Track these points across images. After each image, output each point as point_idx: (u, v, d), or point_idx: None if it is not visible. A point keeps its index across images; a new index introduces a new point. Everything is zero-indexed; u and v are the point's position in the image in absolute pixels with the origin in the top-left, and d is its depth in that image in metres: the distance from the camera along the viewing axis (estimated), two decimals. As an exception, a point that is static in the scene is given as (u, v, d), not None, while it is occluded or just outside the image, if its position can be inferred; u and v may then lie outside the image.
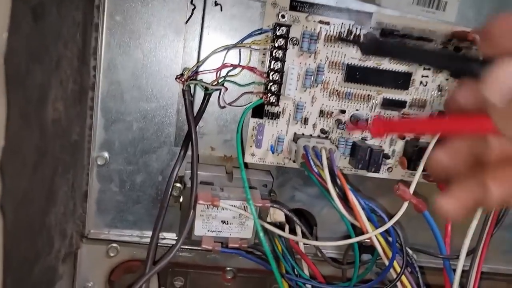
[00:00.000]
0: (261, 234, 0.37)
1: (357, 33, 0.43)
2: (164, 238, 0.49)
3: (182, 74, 0.43)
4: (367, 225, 0.40)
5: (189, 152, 0.45)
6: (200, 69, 0.44)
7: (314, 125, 0.46)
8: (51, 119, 0.33)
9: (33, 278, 0.33)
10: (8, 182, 0.23)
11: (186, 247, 0.49)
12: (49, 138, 0.33)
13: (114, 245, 0.48)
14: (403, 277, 0.41)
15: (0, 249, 0.23)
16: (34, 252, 0.33)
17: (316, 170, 0.41)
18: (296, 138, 0.45)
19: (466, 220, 0.40)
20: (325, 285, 0.44)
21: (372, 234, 0.40)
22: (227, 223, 0.43)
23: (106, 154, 0.46)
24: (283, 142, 0.46)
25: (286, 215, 0.47)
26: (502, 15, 0.19)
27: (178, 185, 0.45)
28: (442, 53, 0.34)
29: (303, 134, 0.46)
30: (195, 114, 0.43)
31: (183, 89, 0.42)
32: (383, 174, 0.47)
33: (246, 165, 0.47)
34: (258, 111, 0.45)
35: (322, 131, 0.46)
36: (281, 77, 0.43)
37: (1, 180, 0.22)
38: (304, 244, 0.48)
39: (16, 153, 0.25)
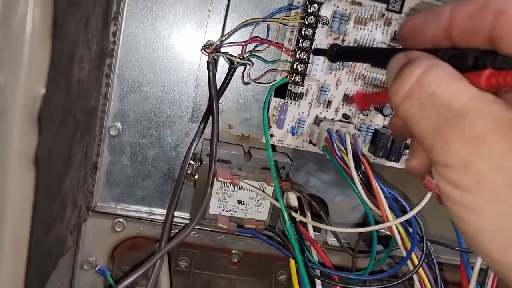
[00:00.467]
0: (286, 215, 0.36)
1: (389, 16, 0.42)
2: (174, 217, 0.47)
3: (207, 46, 0.41)
4: (389, 213, 0.39)
5: (207, 129, 0.43)
6: (225, 42, 0.42)
7: (336, 109, 0.45)
8: (77, 78, 0.31)
9: (47, 244, 0.31)
10: (41, 136, 0.21)
11: (196, 227, 0.47)
12: (73, 98, 0.31)
13: (121, 220, 0.47)
14: (420, 270, 0.41)
15: (30, 206, 0.22)
16: (51, 217, 0.31)
17: (340, 155, 0.40)
18: (318, 121, 0.44)
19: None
20: (346, 274, 0.43)
21: (394, 223, 0.39)
22: (243, 204, 0.42)
23: (119, 125, 0.44)
24: (303, 124, 0.45)
25: (298, 200, 0.46)
26: (407, 18, 0.23)
27: (192, 162, 0.44)
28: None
29: (325, 118, 0.45)
30: (217, 89, 0.42)
31: (208, 61, 0.40)
32: (401, 164, 0.46)
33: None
34: (281, 91, 0.44)
35: (344, 115, 0.45)
36: (308, 56, 0.42)
37: (38, 130, 0.20)
38: (314, 231, 0.47)
39: (47, 107, 0.24)
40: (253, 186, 0.41)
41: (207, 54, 0.40)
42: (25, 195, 0.21)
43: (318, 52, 0.41)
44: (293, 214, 0.42)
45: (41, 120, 0.20)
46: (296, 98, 0.44)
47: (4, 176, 0.19)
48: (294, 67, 0.42)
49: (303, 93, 0.44)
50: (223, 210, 0.42)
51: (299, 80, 0.42)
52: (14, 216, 0.21)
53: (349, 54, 0.36)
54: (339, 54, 0.36)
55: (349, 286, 0.43)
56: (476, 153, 0.18)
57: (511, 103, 0.18)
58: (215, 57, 0.40)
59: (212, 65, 0.40)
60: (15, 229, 0.21)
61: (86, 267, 0.48)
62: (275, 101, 0.44)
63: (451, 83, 0.19)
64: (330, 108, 0.45)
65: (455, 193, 0.19)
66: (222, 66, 0.43)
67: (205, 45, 0.41)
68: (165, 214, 0.42)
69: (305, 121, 0.45)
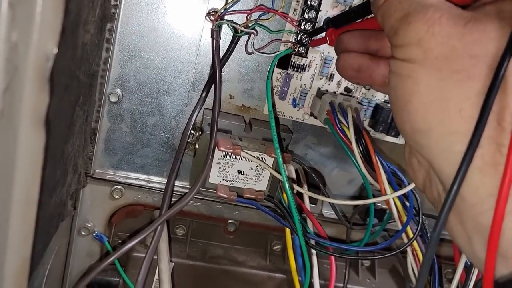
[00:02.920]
0: (287, 185, 0.36)
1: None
2: (174, 184, 0.47)
3: (211, 13, 0.40)
4: (387, 187, 0.40)
5: (208, 99, 0.43)
6: (230, 10, 0.41)
7: (339, 82, 0.45)
8: (82, 41, 0.30)
9: (50, 208, 0.31)
10: (52, 97, 0.21)
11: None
12: (78, 61, 0.30)
13: (119, 187, 0.47)
14: (414, 243, 0.42)
15: (39, 167, 0.21)
16: (54, 180, 0.31)
17: (341, 128, 0.40)
18: (320, 93, 0.44)
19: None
20: (341, 245, 0.43)
21: (391, 196, 0.40)
22: (243, 174, 0.42)
23: (119, 91, 0.44)
24: (305, 96, 0.45)
25: (296, 172, 0.46)
26: None
27: (192, 131, 0.44)
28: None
29: (327, 91, 0.45)
30: (220, 57, 0.41)
31: (212, 29, 0.40)
32: (400, 139, 0.47)
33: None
34: (283, 62, 0.43)
35: (346, 89, 0.45)
36: (313, 27, 0.41)
37: (50, 91, 0.20)
38: (310, 204, 0.48)
39: (56, 68, 0.23)
40: (254, 156, 0.41)
41: (211, 21, 0.40)
42: (36, 156, 0.21)
43: (315, 32, 0.41)
44: (294, 186, 0.42)
45: (53, 80, 0.20)
46: (299, 70, 0.44)
47: (16, 134, 0.19)
48: (298, 38, 0.42)
49: (306, 65, 0.44)
50: (223, 179, 0.42)
51: (302, 52, 0.42)
52: (25, 175, 0.20)
53: (341, 19, 0.37)
54: (333, 23, 0.37)
55: (344, 256, 0.44)
56: (430, 30, 0.23)
57: (480, 11, 0.23)
58: (219, 25, 0.40)
59: (216, 33, 0.40)
60: (26, 189, 0.21)
61: (83, 233, 0.48)
62: (277, 72, 0.44)
63: None
64: (332, 81, 0.44)
65: (403, 65, 0.24)
66: (225, 34, 0.43)
67: (209, 12, 0.41)
68: (166, 181, 0.42)
69: (307, 93, 0.44)
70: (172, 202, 0.43)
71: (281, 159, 0.36)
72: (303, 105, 0.45)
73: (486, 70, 0.21)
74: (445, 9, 0.23)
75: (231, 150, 0.39)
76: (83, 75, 0.33)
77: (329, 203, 0.47)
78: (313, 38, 0.41)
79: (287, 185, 0.36)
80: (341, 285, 0.50)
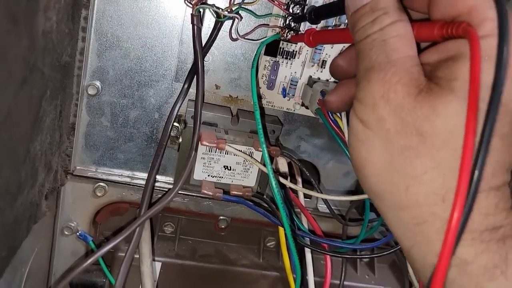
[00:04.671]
0: (274, 182, 0.34)
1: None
2: (157, 181, 0.45)
3: (192, -3, 0.37)
4: (383, 181, 0.37)
5: (191, 89, 0.41)
6: (212, -7, 0.38)
7: (331, 70, 0.42)
8: (42, 29, 0.27)
9: (15, 211, 0.29)
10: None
11: (181, 192, 0.45)
12: (39, 51, 0.28)
13: (102, 184, 0.44)
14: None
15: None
16: (17, 182, 0.28)
17: (333, 118, 0.37)
18: (311, 82, 0.41)
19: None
20: (336, 242, 0.41)
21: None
22: (230, 169, 0.40)
23: (98, 84, 0.41)
24: (296, 85, 0.42)
25: (289, 166, 0.44)
26: None
27: (176, 124, 0.41)
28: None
29: (319, 79, 0.42)
30: (203, 45, 0.38)
31: (192, 14, 0.37)
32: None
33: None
34: (272, 49, 0.41)
35: (340, 77, 0.42)
36: (302, 11, 0.38)
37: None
38: (304, 198, 0.45)
39: (1, 60, 0.21)
40: (240, 150, 0.38)
41: (191, 6, 0.37)
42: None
43: (299, 19, 0.38)
44: (283, 180, 0.40)
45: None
46: (288, 57, 0.41)
47: None
48: (287, 22, 0.39)
49: (296, 51, 0.41)
50: (208, 175, 0.40)
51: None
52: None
53: (325, 10, 0.34)
54: (316, 14, 0.34)
55: (338, 255, 0.41)
56: (385, 97, 0.22)
57: (434, 76, 0.22)
58: (200, 10, 0.37)
59: (196, 18, 0.37)
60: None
61: (66, 233, 0.46)
62: (265, 60, 0.41)
63: (401, 38, 0.23)
64: (324, 68, 0.42)
65: (359, 127, 0.24)
66: (209, 20, 0.40)
67: (189, -4, 0.38)
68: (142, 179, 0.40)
69: (297, 82, 0.42)
70: (156, 200, 0.40)
71: (266, 153, 0.34)
72: (293, 95, 0.42)
73: (433, 149, 0.21)
74: (405, 70, 0.22)
75: (214, 145, 0.37)
76: (48, 67, 0.30)
77: (322, 199, 0.44)
78: (293, 34, 0.38)
79: (272, 180, 0.33)
80: (339, 282, 0.48)
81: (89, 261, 0.33)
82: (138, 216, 0.36)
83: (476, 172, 0.19)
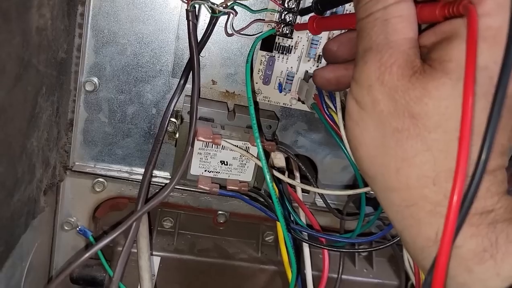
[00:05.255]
0: (268, 177, 0.34)
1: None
2: (155, 176, 0.45)
3: (187, -7, 0.37)
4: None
5: (188, 84, 0.41)
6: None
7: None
8: (36, 26, 0.28)
9: (12, 207, 0.29)
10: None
11: (178, 187, 0.46)
12: (33, 48, 0.28)
13: (101, 180, 0.45)
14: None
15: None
16: (14, 178, 0.29)
17: (328, 113, 0.37)
18: (307, 77, 0.41)
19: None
20: (333, 236, 0.41)
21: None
22: (226, 164, 0.40)
23: (95, 80, 0.41)
24: (292, 80, 0.42)
25: (287, 161, 0.44)
26: None
27: (173, 120, 0.41)
28: None
29: (315, 73, 0.42)
30: (198, 40, 0.39)
31: (187, 9, 0.37)
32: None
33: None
34: (268, 44, 0.41)
35: (336, 71, 0.42)
36: (298, 5, 0.38)
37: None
38: (302, 192, 0.46)
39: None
40: (237, 146, 0.39)
41: (186, 1, 0.37)
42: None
43: (304, 11, 0.38)
44: (279, 175, 0.40)
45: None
46: (284, 52, 0.41)
47: None
48: (282, 17, 0.39)
49: (292, 46, 0.41)
50: (205, 170, 0.40)
51: (287, 32, 0.39)
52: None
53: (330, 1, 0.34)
54: (322, 3, 0.34)
55: (335, 249, 0.41)
56: (380, 78, 0.22)
57: (428, 57, 0.22)
58: (195, 5, 0.37)
59: (192, 14, 0.37)
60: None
61: (66, 228, 0.46)
62: (261, 55, 0.41)
63: (404, 19, 0.23)
64: (320, 63, 0.42)
65: (354, 108, 0.24)
66: (205, 15, 0.40)
67: (184, -8, 0.38)
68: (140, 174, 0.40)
69: (293, 76, 0.42)
70: (153, 195, 0.41)
71: (261, 147, 0.34)
72: (290, 90, 0.42)
73: (424, 131, 0.21)
74: (401, 52, 0.22)
75: (210, 140, 0.37)
76: (44, 64, 0.30)
77: (319, 193, 0.44)
78: (297, 22, 0.38)
79: (268, 177, 0.34)
80: (336, 276, 0.48)
81: (86, 255, 0.33)
82: (134, 211, 0.36)
83: (483, 155, 0.19)
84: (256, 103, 0.42)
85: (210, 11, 0.38)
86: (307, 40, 0.40)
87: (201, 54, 0.41)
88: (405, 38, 0.22)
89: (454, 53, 0.21)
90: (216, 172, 0.40)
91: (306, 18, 0.38)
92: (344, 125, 0.26)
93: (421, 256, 0.23)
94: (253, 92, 0.42)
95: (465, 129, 0.19)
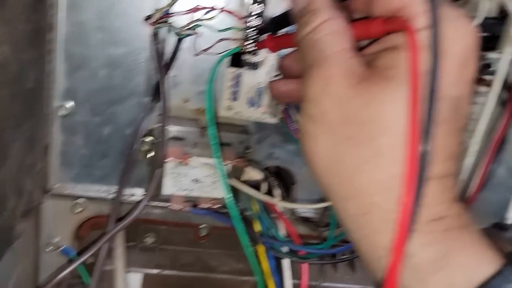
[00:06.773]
0: (228, 196, 0.34)
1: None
2: (133, 195, 0.46)
3: (151, 16, 0.38)
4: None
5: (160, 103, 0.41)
6: (173, 10, 0.39)
7: (296, 78, 0.42)
8: (-6, 63, 0.28)
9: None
10: None
11: (157, 204, 0.46)
12: (-7, 85, 0.29)
13: (80, 200, 0.45)
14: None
15: None
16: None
17: (296, 127, 0.38)
18: (276, 92, 0.42)
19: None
20: (299, 247, 0.42)
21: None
22: (199, 182, 0.41)
23: (69, 104, 0.42)
24: (262, 94, 0.42)
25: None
26: None
27: (148, 139, 0.42)
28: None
29: (284, 88, 0.42)
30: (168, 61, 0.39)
31: (152, 33, 0.38)
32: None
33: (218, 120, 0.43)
34: (237, 60, 0.41)
35: (305, 85, 0.42)
36: (261, 22, 0.39)
37: None
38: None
39: None
40: (208, 163, 0.39)
41: (150, 25, 0.38)
42: None
43: (263, 31, 0.39)
44: (244, 188, 0.40)
45: None
46: (253, 68, 0.41)
47: None
48: (248, 34, 0.39)
49: (259, 62, 0.41)
50: (178, 189, 0.40)
51: (252, 49, 0.40)
52: None
53: (281, 19, 0.36)
54: (274, 23, 0.36)
55: (315, 262, 0.42)
56: (326, 90, 0.23)
57: (373, 65, 0.23)
58: (158, 29, 0.38)
59: (156, 37, 0.37)
60: None
61: (49, 248, 0.47)
62: (231, 71, 0.42)
63: (335, 34, 0.24)
64: (289, 77, 0.42)
65: (306, 122, 0.25)
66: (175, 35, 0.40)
67: (149, 15, 0.38)
68: (128, 191, 0.43)
69: (263, 92, 0.42)
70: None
71: (221, 166, 0.35)
72: (260, 105, 0.43)
73: (372, 136, 0.21)
74: (342, 62, 0.23)
75: (179, 160, 0.38)
76: (8, 98, 0.31)
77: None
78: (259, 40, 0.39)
79: (226, 197, 0.35)
80: (317, 283, 0.49)
81: (54, 281, 0.34)
82: (105, 232, 0.37)
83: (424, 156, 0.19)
84: (227, 119, 0.43)
85: (175, 33, 0.38)
86: (275, 55, 0.41)
87: (172, 74, 0.41)
88: (342, 49, 0.24)
89: (397, 61, 0.22)
90: (190, 190, 0.41)
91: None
92: (299, 140, 0.26)
93: (377, 266, 0.23)
94: (227, 108, 0.43)
95: (412, 131, 0.19)
